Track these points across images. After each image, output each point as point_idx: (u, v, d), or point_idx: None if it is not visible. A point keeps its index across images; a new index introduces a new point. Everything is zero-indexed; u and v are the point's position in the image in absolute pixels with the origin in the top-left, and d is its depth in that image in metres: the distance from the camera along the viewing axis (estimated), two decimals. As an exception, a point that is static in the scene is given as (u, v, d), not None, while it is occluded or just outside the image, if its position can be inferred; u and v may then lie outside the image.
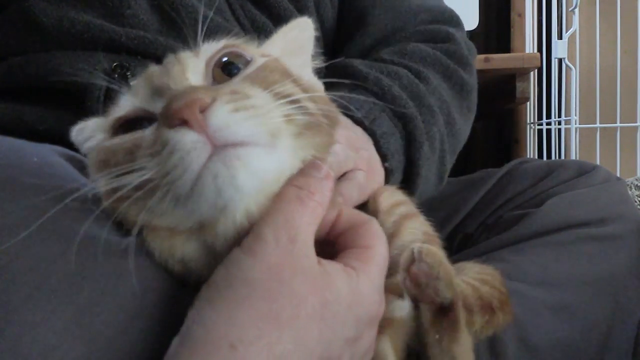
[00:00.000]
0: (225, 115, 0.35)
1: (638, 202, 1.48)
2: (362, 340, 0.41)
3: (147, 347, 0.38)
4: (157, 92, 0.41)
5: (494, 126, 2.36)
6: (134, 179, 0.36)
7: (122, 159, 0.39)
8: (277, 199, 0.40)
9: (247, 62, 0.43)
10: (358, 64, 0.74)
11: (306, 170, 0.42)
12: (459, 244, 0.84)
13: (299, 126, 0.40)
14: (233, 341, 0.35)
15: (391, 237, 0.52)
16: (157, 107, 0.40)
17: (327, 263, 0.40)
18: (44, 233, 0.36)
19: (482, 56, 1.80)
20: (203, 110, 0.35)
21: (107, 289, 0.37)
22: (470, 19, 2.14)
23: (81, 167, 0.47)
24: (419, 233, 0.54)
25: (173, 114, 0.35)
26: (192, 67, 0.42)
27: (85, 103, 0.62)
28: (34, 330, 0.34)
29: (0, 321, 0.33)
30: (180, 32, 0.70)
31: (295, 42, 0.53)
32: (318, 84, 0.53)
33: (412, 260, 0.44)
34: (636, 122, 2.05)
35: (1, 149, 0.41)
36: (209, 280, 0.38)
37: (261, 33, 0.77)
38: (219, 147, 0.35)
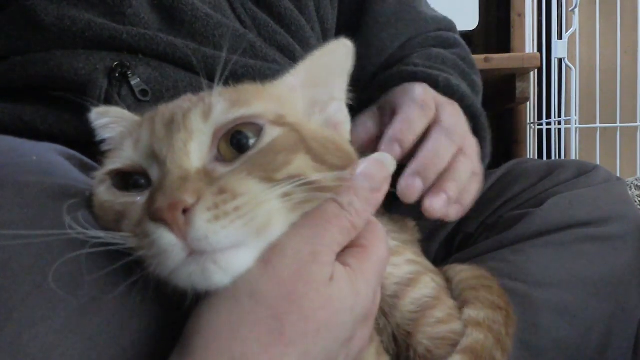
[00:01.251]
0: (204, 226, 0.34)
1: (638, 202, 1.48)
2: (356, 339, 0.41)
3: (147, 345, 0.38)
4: (155, 157, 0.40)
5: (494, 126, 2.36)
6: (120, 242, 0.37)
7: (111, 219, 0.40)
8: (314, 212, 0.40)
9: (259, 130, 0.40)
10: (419, 65, 0.78)
11: (355, 185, 0.41)
12: (459, 244, 0.84)
13: (296, 203, 0.39)
14: (234, 355, 0.34)
15: (407, 285, 0.52)
16: (152, 171, 0.40)
17: (336, 269, 0.40)
18: (44, 231, 0.36)
19: (482, 56, 1.80)
20: (186, 211, 0.35)
21: (106, 287, 0.37)
22: (470, 19, 2.14)
23: (81, 165, 0.46)
24: (431, 287, 0.54)
25: (156, 212, 0.35)
26: (197, 136, 0.39)
27: (86, 102, 0.62)
28: (33, 328, 0.34)
29: (0, 319, 0.33)
30: (181, 30, 0.70)
31: (325, 70, 0.50)
32: (344, 123, 0.51)
33: None
34: (636, 122, 2.05)
35: (0, 148, 0.41)
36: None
37: (262, 31, 0.77)
38: (196, 253, 0.35)
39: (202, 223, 0.34)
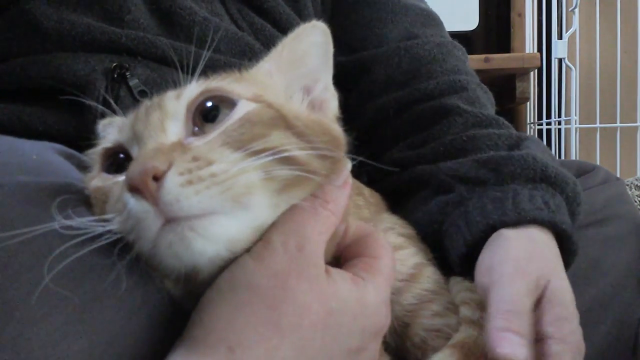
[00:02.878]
0: (176, 190, 0.34)
1: (638, 202, 1.48)
2: (366, 352, 0.41)
3: (149, 341, 0.38)
4: (135, 137, 0.41)
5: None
6: (104, 227, 0.37)
7: (99, 202, 0.40)
8: (292, 206, 0.40)
9: (233, 106, 0.41)
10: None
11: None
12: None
13: (281, 182, 0.39)
14: (231, 345, 0.35)
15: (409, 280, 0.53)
16: (133, 150, 0.41)
17: (335, 272, 0.40)
18: (43, 229, 0.36)
19: (482, 56, 1.81)
20: (158, 178, 0.35)
21: (107, 283, 0.37)
22: (470, 19, 2.14)
23: (80, 165, 0.47)
24: (431, 282, 0.55)
25: (129, 181, 0.35)
26: (172, 113, 0.41)
27: (84, 103, 0.63)
28: (35, 326, 0.34)
29: (1, 317, 0.33)
30: (179, 34, 0.70)
31: (298, 53, 0.50)
32: (329, 101, 0.51)
33: None
34: (636, 122, 2.06)
35: (0, 147, 0.41)
36: (214, 283, 0.38)
37: (259, 35, 0.77)
38: (171, 219, 0.35)
39: (173, 186, 0.34)
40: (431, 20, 0.87)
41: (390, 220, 0.64)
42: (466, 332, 0.51)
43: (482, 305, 0.53)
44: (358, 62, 0.83)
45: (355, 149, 0.47)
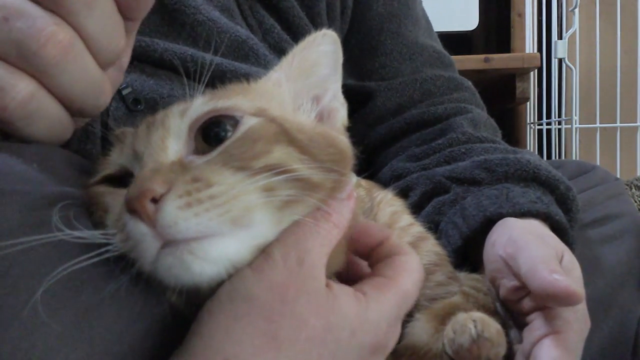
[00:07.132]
0: (174, 212, 0.34)
1: (638, 202, 1.48)
2: None
3: (149, 349, 0.38)
4: (137, 157, 0.40)
5: (494, 126, 2.37)
6: (107, 239, 0.37)
7: (97, 213, 0.40)
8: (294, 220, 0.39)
9: (237, 123, 0.41)
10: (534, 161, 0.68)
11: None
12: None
13: (283, 201, 0.38)
14: (228, 356, 0.35)
15: None
16: (136, 171, 0.41)
17: (336, 286, 0.40)
18: (43, 237, 0.36)
19: (482, 56, 1.81)
20: (157, 200, 0.34)
21: (106, 291, 0.37)
22: (470, 19, 2.14)
23: (80, 170, 0.47)
24: (432, 255, 0.54)
25: (127, 202, 0.35)
26: (174, 131, 0.40)
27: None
28: (34, 335, 0.33)
29: (0, 325, 0.33)
30: (181, 32, 0.69)
31: (308, 62, 0.49)
32: (338, 110, 0.50)
33: (472, 341, 0.44)
34: (636, 122, 2.06)
35: (1, 155, 0.41)
36: (215, 294, 0.38)
37: (267, 36, 0.76)
38: (169, 242, 0.35)
39: (172, 209, 0.34)
40: (440, 62, 0.93)
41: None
42: (453, 299, 0.51)
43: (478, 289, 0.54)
44: (368, 89, 0.88)
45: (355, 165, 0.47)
